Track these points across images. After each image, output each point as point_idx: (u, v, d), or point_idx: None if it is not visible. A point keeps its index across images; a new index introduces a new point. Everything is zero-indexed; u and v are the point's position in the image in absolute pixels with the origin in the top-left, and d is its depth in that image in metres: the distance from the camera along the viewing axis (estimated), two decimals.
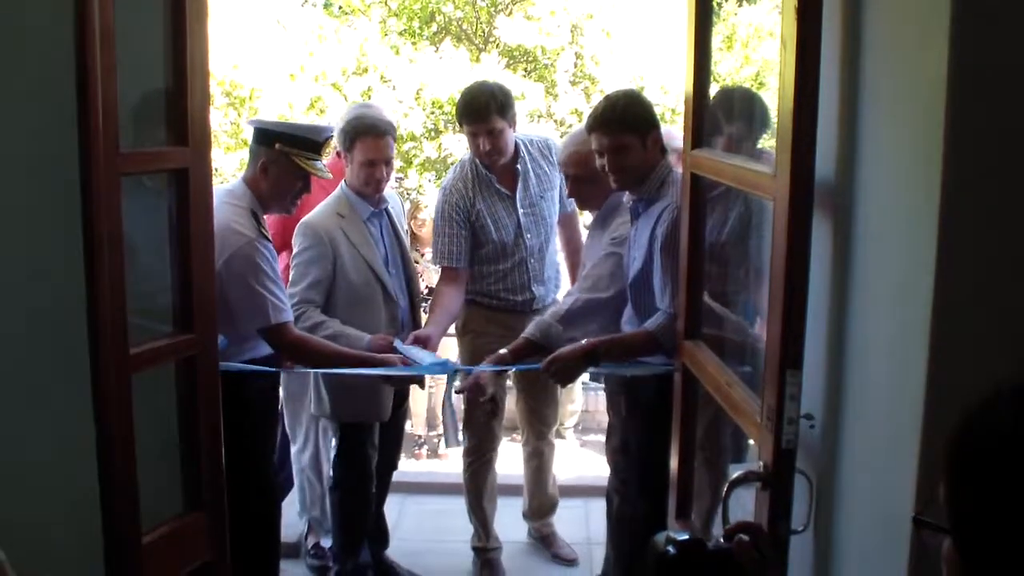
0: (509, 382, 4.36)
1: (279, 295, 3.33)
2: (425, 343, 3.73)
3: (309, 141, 3.40)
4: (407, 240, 3.93)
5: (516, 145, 4.02)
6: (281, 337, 3.35)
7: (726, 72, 9.62)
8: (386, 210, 3.82)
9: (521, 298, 4.08)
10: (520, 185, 4.02)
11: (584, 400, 6.55)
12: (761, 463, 2.12)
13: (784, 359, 2.03)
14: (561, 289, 4.26)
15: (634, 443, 3.42)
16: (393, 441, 4.15)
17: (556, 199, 4.11)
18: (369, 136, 3.66)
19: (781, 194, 2.02)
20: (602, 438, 5.47)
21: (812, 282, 2.03)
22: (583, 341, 3.26)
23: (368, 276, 3.68)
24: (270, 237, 3.41)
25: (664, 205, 3.15)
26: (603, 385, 3.78)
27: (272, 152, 3.38)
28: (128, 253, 2.38)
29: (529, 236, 4.03)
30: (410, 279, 3.86)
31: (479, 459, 4.29)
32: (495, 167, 3.98)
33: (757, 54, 10.12)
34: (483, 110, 3.85)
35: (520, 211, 4.02)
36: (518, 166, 4.02)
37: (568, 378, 3.38)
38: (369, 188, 3.72)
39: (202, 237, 2.71)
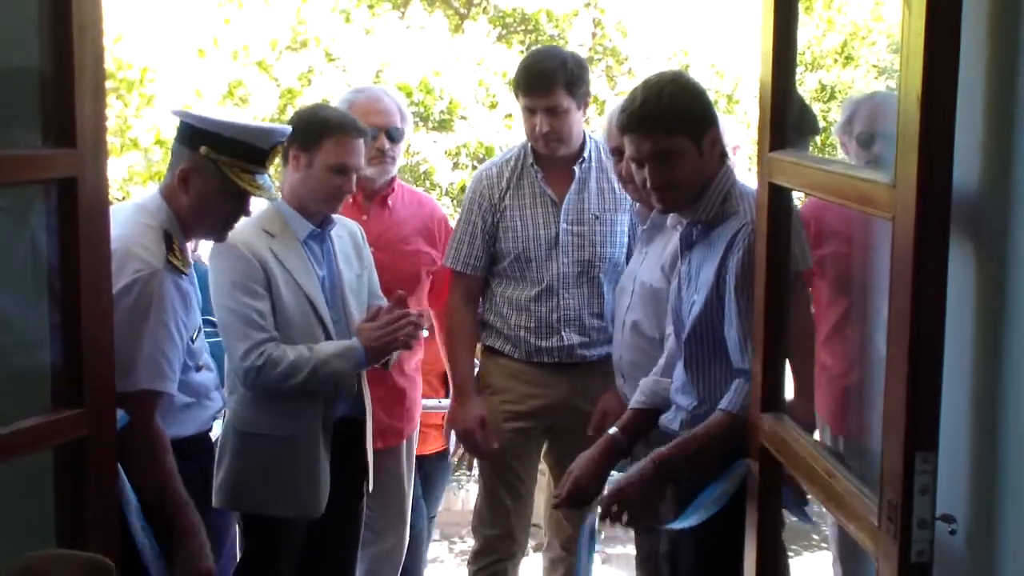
0: (542, 465, 4.42)
1: (167, 353, 3.26)
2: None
3: (248, 147, 3.37)
4: (367, 274, 3.95)
5: (584, 143, 4.17)
6: (142, 410, 3.20)
7: (804, 43, 9.69)
8: (329, 234, 3.84)
9: (547, 344, 4.14)
10: (573, 192, 4.15)
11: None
12: None
13: (911, 437, 2.04)
14: None
15: (689, 552, 3.39)
16: (344, 552, 4.09)
17: (623, 228, 4.19)
18: (345, 134, 3.70)
19: (904, 211, 2.03)
20: (632, 549, 5.45)
21: (949, 328, 2.04)
22: (649, 459, 3.20)
23: (306, 310, 3.71)
24: (187, 268, 3.39)
25: (737, 227, 3.15)
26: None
27: (195, 157, 3.37)
28: None
29: (565, 260, 4.11)
30: (351, 326, 3.86)
31: (488, 568, 4.33)
32: (552, 157, 4.13)
33: (844, 17, 10.17)
34: (546, 79, 4.02)
35: (563, 225, 4.11)
36: (576, 167, 4.15)
37: (650, 515, 3.31)
38: (333, 203, 3.77)
39: (95, 274, 2.71)
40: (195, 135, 3.39)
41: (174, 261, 3.32)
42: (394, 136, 4.29)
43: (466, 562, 4.73)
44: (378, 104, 4.29)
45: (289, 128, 3.58)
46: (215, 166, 3.36)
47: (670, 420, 3.35)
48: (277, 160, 3.67)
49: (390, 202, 4.38)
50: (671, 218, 3.44)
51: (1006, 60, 1.99)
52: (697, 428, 3.19)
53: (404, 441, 4.40)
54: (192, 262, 3.45)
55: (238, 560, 3.96)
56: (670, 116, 3.19)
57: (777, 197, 2.85)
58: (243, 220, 3.78)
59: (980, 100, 2.04)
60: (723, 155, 3.31)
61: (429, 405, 4.73)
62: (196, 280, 3.54)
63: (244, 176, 3.37)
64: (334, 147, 3.67)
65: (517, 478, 4.28)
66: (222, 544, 3.85)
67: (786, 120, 2.85)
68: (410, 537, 4.72)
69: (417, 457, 4.82)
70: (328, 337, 3.73)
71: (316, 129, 3.70)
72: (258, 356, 3.57)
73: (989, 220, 2.06)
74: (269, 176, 3.48)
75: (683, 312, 3.33)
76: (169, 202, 3.40)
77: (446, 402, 4.78)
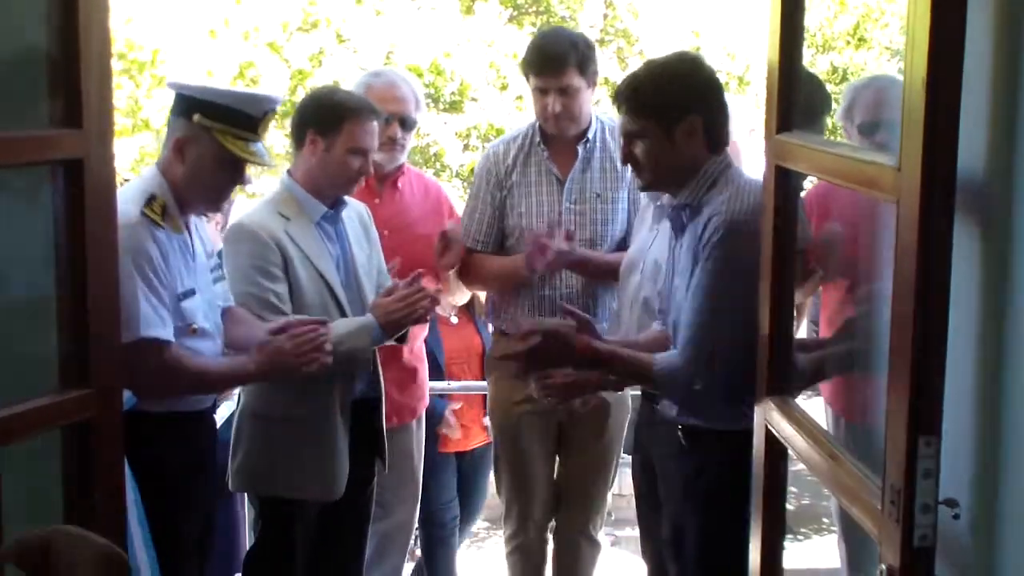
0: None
1: (154, 301, 3.27)
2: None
3: (240, 114, 3.39)
4: (375, 255, 3.97)
5: (591, 122, 4.23)
6: (149, 358, 3.23)
7: (816, 25, 9.66)
8: (341, 215, 3.86)
9: None
10: (576, 171, 4.21)
11: (618, 480, 6.46)
12: (884, 567, 2.12)
13: (914, 421, 2.03)
14: None
15: (692, 536, 3.39)
16: (355, 533, 4.12)
17: (624, 206, 4.24)
18: (364, 118, 3.72)
19: (908, 194, 2.03)
20: None
21: (953, 312, 2.03)
22: (599, 344, 3.32)
23: (322, 291, 3.74)
24: (166, 223, 3.35)
25: (711, 213, 3.15)
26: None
27: (190, 126, 3.39)
28: None
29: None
30: (365, 306, 3.87)
31: (516, 538, 4.39)
32: (559, 137, 4.19)
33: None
34: (558, 60, 4.08)
35: (565, 204, 4.19)
36: (579, 147, 4.20)
37: (556, 362, 3.37)
38: (351, 185, 3.80)
39: (102, 253, 2.72)
40: (189, 105, 3.42)
41: (149, 214, 3.32)
42: (408, 125, 4.34)
43: (475, 544, 4.77)
44: (395, 91, 4.33)
45: (280, 97, 3.60)
46: (208, 134, 3.38)
47: (668, 406, 3.39)
48: (288, 142, 3.68)
49: (400, 185, 4.42)
50: (666, 199, 3.43)
51: (1011, 44, 1.99)
52: (641, 356, 3.32)
53: (415, 419, 4.45)
54: (183, 226, 3.45)
55: (252, 545, 3.98)
56: (642, 100, 3.23)
57: (784, 179, 2.84)
58: (258, 203, 3.80)
59: (986, 83, 2.04)
60: (713, 143, 3.29)
61: (436, 387, 4.76)
62: (191, 245, 3.54)
63: (237, 143, 3.39)
64: (354, 130, 3.71)
65: (530, 460, 4.32)
66: (232, 532, 3.86)
67: (793, 102, 2.84)
68: (439, 538, 4.79)
69: (456, 454, 4.89)
70: (344, 317, 3.75)
71: (336, 113, 3.73)
72: None
73: (993, 203, 2.05)
74: (263, 144, 3.49)
75: (670, 295, 3.36)
76: (164, 174, 3.43)
77: (455, 384, 4.85)
